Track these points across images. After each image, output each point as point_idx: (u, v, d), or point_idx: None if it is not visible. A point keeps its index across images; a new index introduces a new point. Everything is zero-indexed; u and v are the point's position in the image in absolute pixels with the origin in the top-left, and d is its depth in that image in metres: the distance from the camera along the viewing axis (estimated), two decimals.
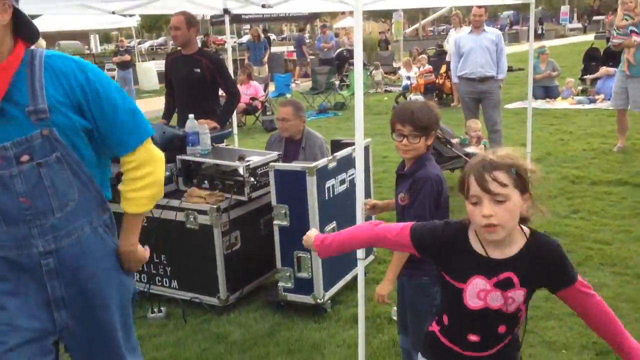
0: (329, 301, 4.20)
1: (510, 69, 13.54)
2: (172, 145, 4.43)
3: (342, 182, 4.30)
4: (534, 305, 4.06)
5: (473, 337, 1.89)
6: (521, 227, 1.84)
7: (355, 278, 3.35)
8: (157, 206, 4.24)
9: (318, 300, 4.08)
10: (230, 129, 5.74)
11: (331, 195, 4.17)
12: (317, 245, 2.19)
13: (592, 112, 11.63)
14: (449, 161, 7.00)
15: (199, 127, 4.46)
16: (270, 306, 4.29)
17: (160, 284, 4.45)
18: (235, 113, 7.03)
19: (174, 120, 5.61)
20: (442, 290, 1.96)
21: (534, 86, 12.58)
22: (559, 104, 12.81)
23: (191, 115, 4.46)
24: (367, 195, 4.64)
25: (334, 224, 4.18)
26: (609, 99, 10.76)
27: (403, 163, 2.85)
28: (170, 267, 4.38)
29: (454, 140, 6.89)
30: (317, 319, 4.08)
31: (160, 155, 2.26)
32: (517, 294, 1.81)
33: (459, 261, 1.86)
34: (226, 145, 5.23)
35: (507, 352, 1.93)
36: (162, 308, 4.27)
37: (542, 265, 1.81)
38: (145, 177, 2.19)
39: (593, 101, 12.49)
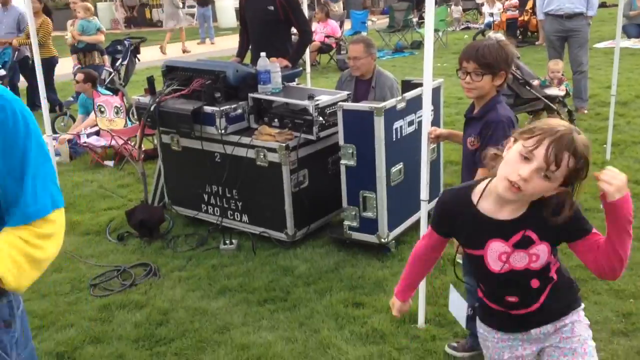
0: (393, 241, 4.26)
1: (603, 5, 12.71)
2: (245, 84, 4.52)
3: (411, 123, 4.27)
4: None
5: (511, 299, 1.88)
6: None
7: (419, 220, 3.38)
8: (229, 143, 4.40)
9: (382, 240, 4.15)
10: (301, 68, 5.75)
11: (399, 137, 4.15)
12: (400, 298, 2.20)
13: None
14: (527, 103, 6.74)
15: (271, 65, 4.50)
16: (335, 243, 4.41)
17: (231, 217, 4.65)
18: (309, 52, 7.02)
19: (247, 59, 5.68)
20: (468, 262, 1.95)
21: (628, 24, 11.82)
22: None
23: (263, 54, 4.51)
24: None
25: (400, 165, 4.18)
26: None
27: (472, 106, 2.78)
28: (241, 202, 4.56)
29: (534, 82, 6.61)
30: (380, 258, 4.16)
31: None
32: (541, 249, 1.77)
33: (471, 228, 1.82)
34: (298, 84, 5.26)
35: (556, 296, 1.88)
36: (233, 240, 4.48)
37: (557, 214, 1.73)
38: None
39: None
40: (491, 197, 1.78)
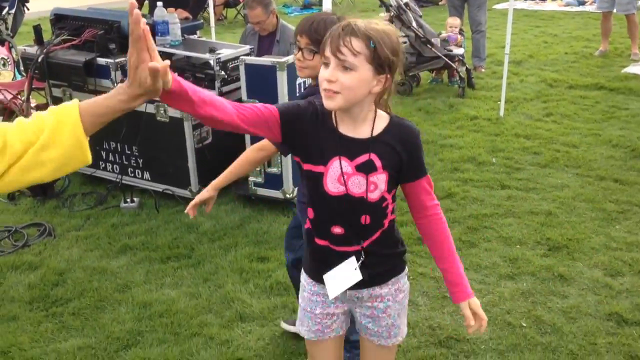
0: None
1: None
2: None
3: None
4: (495, 203, 4.20)
5: (337, 229, 1.78)
6: (381, 112, 1.74)
7: None
8: None
9: (287, 195, 4.17)
10: (202, 21, 5.58)
11: (302, 92, 4.14)
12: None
13: (580, 15, 11.42)
14: (428, 62, 6.93)
15: (169, 16, 4.33)
16: (240, 200, 4.38)
17: (132, 175, 4.49)
18: (214, 5, 6.81)
19: (145, 9, 5.43)
20: (304, 180, 1.84)
21: None
22: (548, 5, 12.55)
23: (159, 3, 4.31)
24: None
25: None
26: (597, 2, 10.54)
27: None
28: (142, 159, 4.41)
29: (435, 40, 6.78)
30: (286, 213, 4.19)
31: None
32: (380, 179, 1.72)
33: (321, 140, 1.72)
34: (199, 37, 5.10)
35: (381, 248, 1.82)
36: (135, 198, 4.35)
37: (401, 147, 1.72)
38: None
39: (582, 3, 12.24)
40: (337, 112, 1.73)
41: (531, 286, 3.27)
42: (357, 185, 1.72)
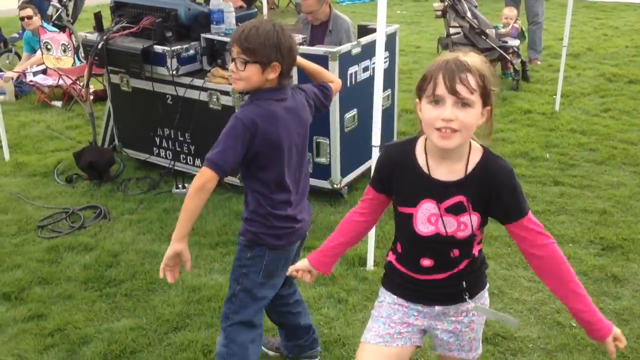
0: (346, 187, 4.30)
1: None
2: (197, 23, 4.39)
3: (366, 69, 4.25)
4: (547, 200, 4.11)
5: (426, 262, 1.79)
6: (475, 145, 1.70)
7: (371, 167, 3.41)
8: (181, 85, 4.30)
9: (335, 186, 4.18)
10: (256, 10, 5.62)
11: (353, 83, 4.14)
12: (310, 261, 2.02)
13: None
14: (482, 53, 6.79)
15: (225, 4, 4.37)
16: None
17: (184, 161, 4.59)
18: None
19: None
20: (395, 219, 1.84)
21: None
22: None
23: None
24: (390, 85, 4.61)
25: (354, 112, 4.19)
26: None
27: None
28: (194, 146, 4.50)
29: (490, 32, 6.65)
30: (333, 203, 4.20)
31: None
32: (470, 219, 1.70)
33: (408, 183, 1.74)
34: None
35: (469, 275, 1.82)
36: (186, 184, 4.44)
37: (492, 187, 1.67)
38: None
39: None
40: (430, 152, 1.72)
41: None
42: (447, 225, 1.72)
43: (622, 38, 8.63)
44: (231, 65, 2.13)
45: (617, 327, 1.74)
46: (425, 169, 1.72)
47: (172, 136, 4.56)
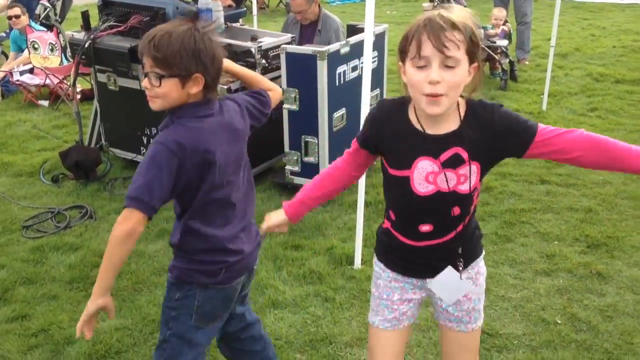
0: None
1: None
2: None
3: (354, 68, 4.25)
4: (534, 198, 4.13)
5: (425, 227, 1.73)
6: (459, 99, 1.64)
7: None
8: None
9: None
10: (244, 9, 5.60)
11: (342, 82, 4.14)
12: (287, 212, 1.93)
13: (630, 8, 11.08)
14: None
15: (213, 3, 4.37)
16: (276, 188, 4.42)
17: None
18: None
19: None
20: (386, 186, 1.78)
21: None
22: None
23: None
24: (379, 85, 4.62)
25: (343, 111, 4.19)
26: None
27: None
28: None
29: (479, 32, 6.66)
30: (322, 202, 4.19)
31: None
32: (470, 170, 1.64)
33: (401, 143, 1.66)
34: (241, 25, 5.14)
35: (467, 233, 1.77)
36: None
37: (489, 130, 1.62)
38: None
39: None
40: (420, 111, 1.64)
41: (568, 283, 3.21)
42: (446, 180, 1.65)
43: (609, 38, 8.70)
44: (144, 82, 1.79)
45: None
46: (418, 127, 1.65)
47: None
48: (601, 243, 3.55)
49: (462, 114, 1.64)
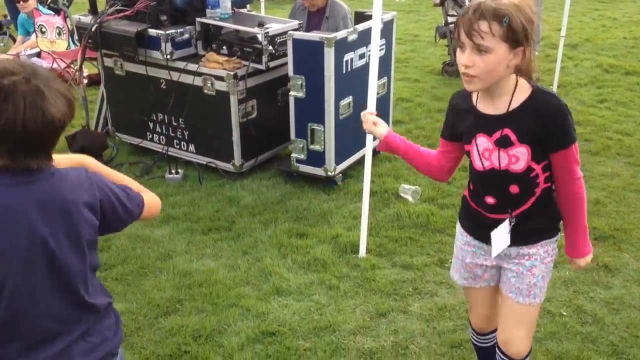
0: (340, 174, 4.28)
1: None
2: (192, 7, 4.35)
3: (362, 56, 4.22)
4: None
5: (490, 200, 1.89)
6: (524, 83, 1.76)
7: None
8: (175, 69, 4.27)
9: (329, 173, 4.17)
10: None
11: (349, 69, 4.11)
12: (389, 133, 2.08)
13: None
14: None
15: None
16: (282, 175, 4.41)
17: (178, 147, 4.57)
18: None
19: None
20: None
21: None
22: None
23: None
24: (387, 73, 4.58)
25: (349, 99, 4.16)
26: None
27: None
28: (188, 131, 4.48)
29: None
30: (326, 191, 4.19)
31: None
32: (520, 152, 1.77)
33: (466, 120, 1.86)
34: (249, 11, 5.10)
35: (534, 215, 1.87)
36: (179, 170, 4.42)
37: (542, 122, 1.73)
38: None
39: None
40: (479, 93, 1.83)
41: (574, 275, 3.19)
42: (499, 158, 1.80)
43: (620, 29, 8.61)
44: None
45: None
46: (477, 106, 1.83)
47: (166, 121, 4.53)
48: (608, 235, 3.53)
49: (523, 97, 1.75)
